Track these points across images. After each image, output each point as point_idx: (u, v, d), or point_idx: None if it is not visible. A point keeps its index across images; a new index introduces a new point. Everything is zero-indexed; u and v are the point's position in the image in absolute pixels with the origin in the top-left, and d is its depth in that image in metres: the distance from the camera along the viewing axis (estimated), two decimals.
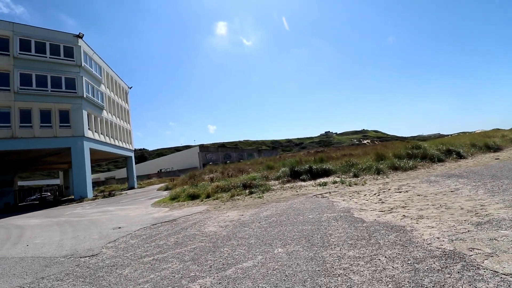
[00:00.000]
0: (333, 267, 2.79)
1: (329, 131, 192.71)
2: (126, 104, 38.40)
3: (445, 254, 2.72)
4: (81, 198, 22.27)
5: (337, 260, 2.96)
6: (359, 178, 9.85)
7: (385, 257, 2.87)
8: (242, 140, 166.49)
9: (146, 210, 10.38)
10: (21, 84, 20.85)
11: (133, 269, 3.66)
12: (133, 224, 7.33)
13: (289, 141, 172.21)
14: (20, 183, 55.20)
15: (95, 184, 58.58)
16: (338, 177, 10.54)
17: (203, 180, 16.17)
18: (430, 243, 3.08)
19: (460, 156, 12.12)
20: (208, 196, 10.82)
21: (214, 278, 2.95)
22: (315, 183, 9.96)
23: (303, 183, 10.36)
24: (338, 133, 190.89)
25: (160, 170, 63.12)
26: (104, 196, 24.11)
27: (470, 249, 2.76)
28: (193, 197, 11.29)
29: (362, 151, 17.81)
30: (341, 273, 2.63)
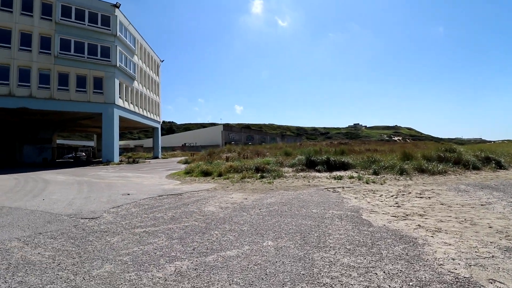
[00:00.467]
0: (320, 274, 2.48)
1: (358, 124, 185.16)
2: (157, 77, 39.33)
3: (457, 281, 2.27)
4: (107, 162, 23.69)
5: (328, 266, 2.63)
6: (378, 176, 9.16)
7: (384, 272, 2.48)
8: (267, 123, 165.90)
9: (159, 180, 10.65)
10: (61, 48, 21.95)
11: (122, 238, 3.63)
12: (142, 193, 7.49)
13: (314, 129, 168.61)
14: (60, 141, 60.31)
15: (124, 150, 62.35)
16: (356, 172, 9.91)
17: (220, 158, 16.26)
18: (441, 264, 2.62)
19: (499, 166, 10.80)
20: (220, 175, 10.80)
21: (192, 263, 2.78)
22: (330, 176, 9.45)
23: (317, 174, 9.90)
24: (367, 126, 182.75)
25: (185, 144, 65.22)
26: (129, 162, 25.46)
27: (491, 280, 2.28)
28: (205, 174, 11.35)
29: (389, 148, 16.67)
30: (327, 283, 2.31)
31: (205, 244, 3.31)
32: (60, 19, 21.77)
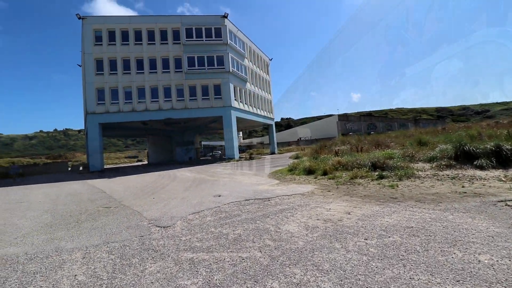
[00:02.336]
0: None
1: None
2: (267, 76, 40.73)
3: None
4: (229, 159, 26.30)
5: None
6: None
7: None
8: (393, 108, 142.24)
9: (259, 179, 10.04)
10: (188, 65, 26.08)
11: (159, 268, 2.79)
12: (232, 195, 6.91)
13: (464, 108, 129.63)
14: (204, 143, 74.67)
15: (248, 147, 69.42)
16: None
17: (331, 152, 14.18)
18: None
19: None
20: (324, 173, 8.96)
21: None
22: (505, 176, 5.68)
23: (478, 173, 6.24)
24: None
25: (300, 138, 65.32)
26: (246, 159, 27.32)
27: None
28: (308, 171, 9.80)
29: None
30: None
31: None
32: (186, 40, 25.90)
